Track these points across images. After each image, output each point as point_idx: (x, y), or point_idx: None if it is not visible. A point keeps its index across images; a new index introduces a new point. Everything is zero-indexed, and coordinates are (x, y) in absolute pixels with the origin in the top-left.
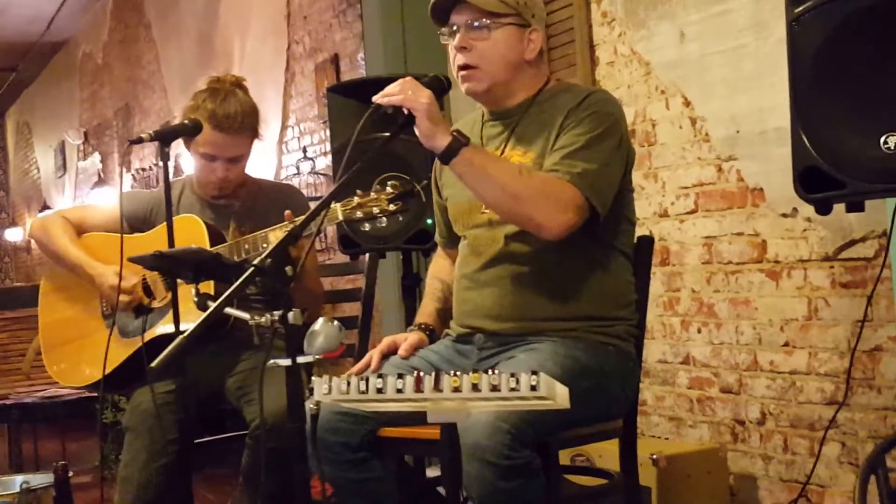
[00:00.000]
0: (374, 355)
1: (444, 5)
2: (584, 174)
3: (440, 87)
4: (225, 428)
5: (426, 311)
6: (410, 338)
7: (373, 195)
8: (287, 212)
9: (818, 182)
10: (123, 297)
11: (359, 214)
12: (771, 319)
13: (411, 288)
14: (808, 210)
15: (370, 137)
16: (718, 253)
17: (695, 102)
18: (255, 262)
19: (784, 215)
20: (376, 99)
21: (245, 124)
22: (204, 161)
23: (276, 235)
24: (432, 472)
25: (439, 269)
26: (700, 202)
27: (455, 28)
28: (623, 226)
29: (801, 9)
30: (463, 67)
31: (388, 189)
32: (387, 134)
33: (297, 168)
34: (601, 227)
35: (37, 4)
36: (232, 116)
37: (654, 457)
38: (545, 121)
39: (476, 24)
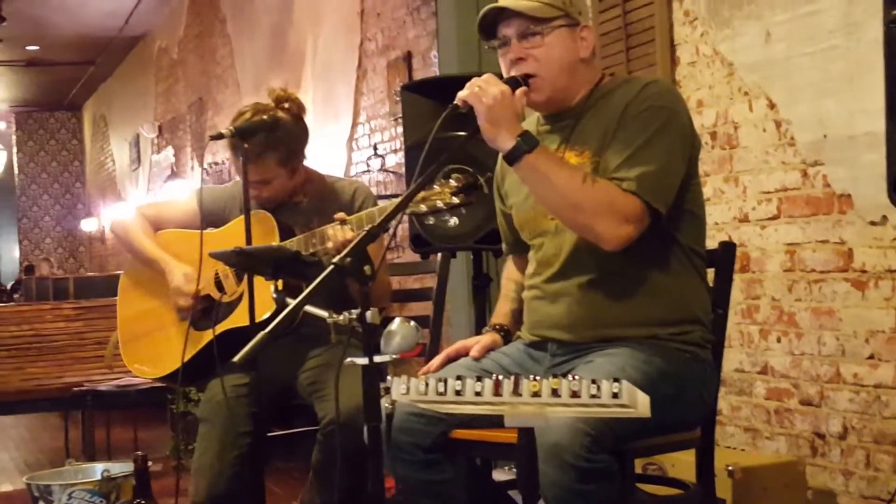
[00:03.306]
0: (439, 357)
1: (491, 18)
2: (644, 177)
3: (517, 87)
4: (293, 423)
5: (501, 311)
6: (483, 339)
7: (436, 188)
8: (340, 214)
9: None
10: (184, 302)
11: (423, 208)
12: (856, 331)
13: (481, 288)
14: None
15: (445, 136)
16: (801, 260)
17: (780, 105)
18: (335, 260)
19: (873, 223)
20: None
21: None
22: None
23: (334, 232)
24: (498, 475)
25: (512, 271)
26: (783, 208)
27: (506, 40)
28: (685, 218)
29: None
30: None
31: (452, 182)
32: (462, 133)
33: (368, 165)
34: (664, 222)
35: None
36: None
37: (730, 468)
38: (602, 118)
39: (528, 32)
